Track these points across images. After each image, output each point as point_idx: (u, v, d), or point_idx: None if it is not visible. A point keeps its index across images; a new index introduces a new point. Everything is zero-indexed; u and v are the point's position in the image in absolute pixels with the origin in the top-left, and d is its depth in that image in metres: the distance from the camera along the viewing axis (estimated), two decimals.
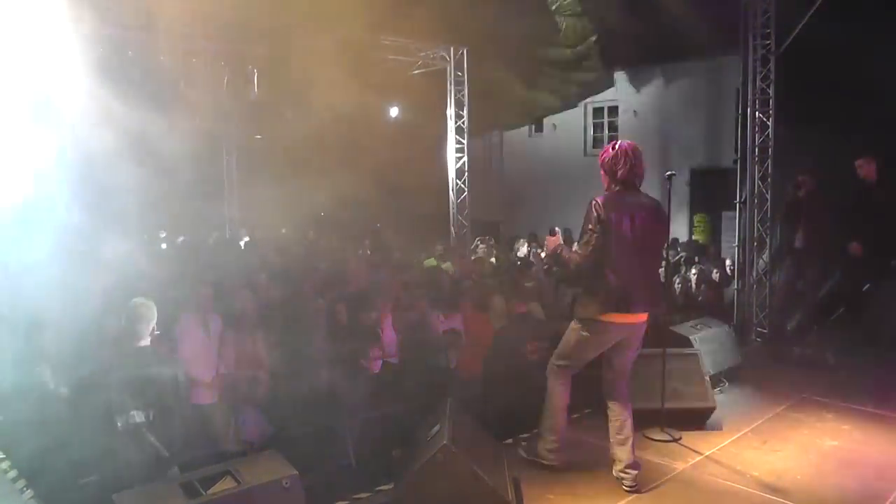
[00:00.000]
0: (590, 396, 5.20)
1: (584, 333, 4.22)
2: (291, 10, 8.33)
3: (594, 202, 4.07)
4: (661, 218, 4.32)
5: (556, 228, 5.63)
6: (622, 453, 4.29)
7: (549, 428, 4.45)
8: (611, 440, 4.37)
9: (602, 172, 4.26)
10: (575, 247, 4.24)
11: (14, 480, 3.21)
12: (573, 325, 4.33)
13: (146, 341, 4.16)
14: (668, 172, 4.84)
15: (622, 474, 4.28)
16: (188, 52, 8.89)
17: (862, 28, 7.66)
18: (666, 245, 5.63)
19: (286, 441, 5.73)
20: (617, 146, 4.19)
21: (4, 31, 5.60)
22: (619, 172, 4.14)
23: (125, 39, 8.65)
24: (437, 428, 3.71)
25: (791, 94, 8.63)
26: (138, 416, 3.82)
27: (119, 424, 3.82)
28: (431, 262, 9.04)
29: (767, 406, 5.67)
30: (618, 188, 4.17)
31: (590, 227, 4.05)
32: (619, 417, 4.35)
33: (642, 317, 4.24)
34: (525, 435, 4.97)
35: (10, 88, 5.57)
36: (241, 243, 12.22)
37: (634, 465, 4.29)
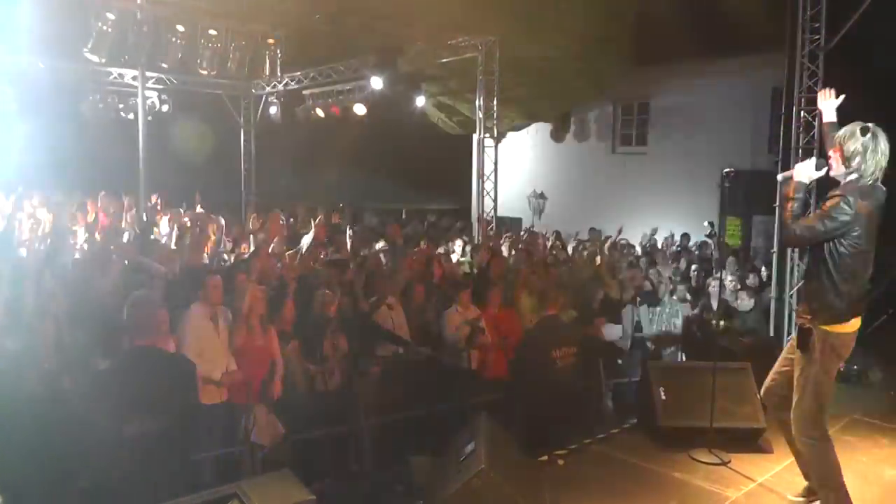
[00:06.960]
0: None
1: None
2: None
3: None
4: None
5: None
6: None
7: None
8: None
9: None
10: None
11: None
12: None
13: (151, 339, 3.80)
14: (726, 170, 4.44)
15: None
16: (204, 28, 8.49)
17: None
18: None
19: (298, 444, 5.39)
20: None
21: None
22: None
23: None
24: (471, 446, 3.31)
25: (839, 93, 8.13)
26: (145, 424, 3.46)
27: (125, 432, 3.47)
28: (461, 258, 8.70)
29: None
30: None
31: None
32: None
33: None
34: (560, 451, 4.57)
35: None
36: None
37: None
